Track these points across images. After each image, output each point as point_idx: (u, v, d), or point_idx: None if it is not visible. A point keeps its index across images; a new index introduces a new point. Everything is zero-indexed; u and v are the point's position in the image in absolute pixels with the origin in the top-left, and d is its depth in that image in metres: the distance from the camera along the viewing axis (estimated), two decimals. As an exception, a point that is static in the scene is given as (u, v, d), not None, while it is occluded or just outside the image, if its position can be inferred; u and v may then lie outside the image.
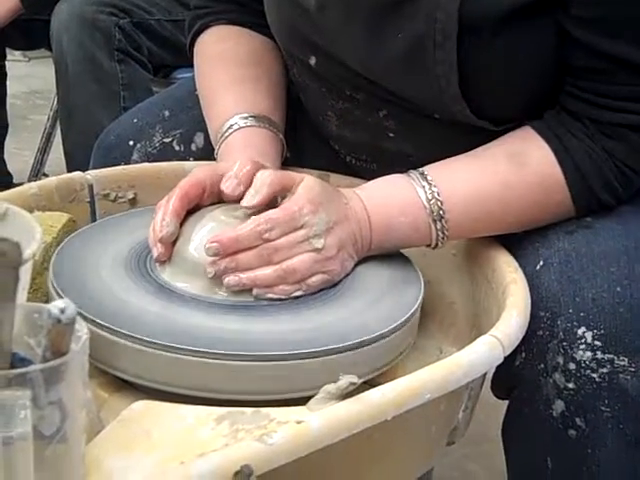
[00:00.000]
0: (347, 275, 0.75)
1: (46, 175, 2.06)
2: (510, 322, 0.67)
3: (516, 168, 0.76)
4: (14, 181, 2.05)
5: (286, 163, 0.92)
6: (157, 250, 0.72)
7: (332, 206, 0.73)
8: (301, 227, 0.71)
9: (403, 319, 0.70)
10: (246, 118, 0.86)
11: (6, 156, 2.08)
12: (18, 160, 2.21)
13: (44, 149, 2.08)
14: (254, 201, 0.72)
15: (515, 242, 0.79)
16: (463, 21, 0.73)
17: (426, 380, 0.60)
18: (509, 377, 0.74)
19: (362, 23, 0.78)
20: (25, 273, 0.61)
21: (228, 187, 0.74)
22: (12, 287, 0.46)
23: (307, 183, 0.73)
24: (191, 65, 0.98)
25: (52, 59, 2.16)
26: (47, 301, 0.72)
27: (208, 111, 0.92)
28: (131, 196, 0.89)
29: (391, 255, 0.79)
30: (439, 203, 0.75)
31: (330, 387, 0.58)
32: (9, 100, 2.11)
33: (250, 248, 0.70)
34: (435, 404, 0.62)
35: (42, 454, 0.47)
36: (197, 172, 0.76)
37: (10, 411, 0.44)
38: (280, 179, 0.73)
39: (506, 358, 0.65)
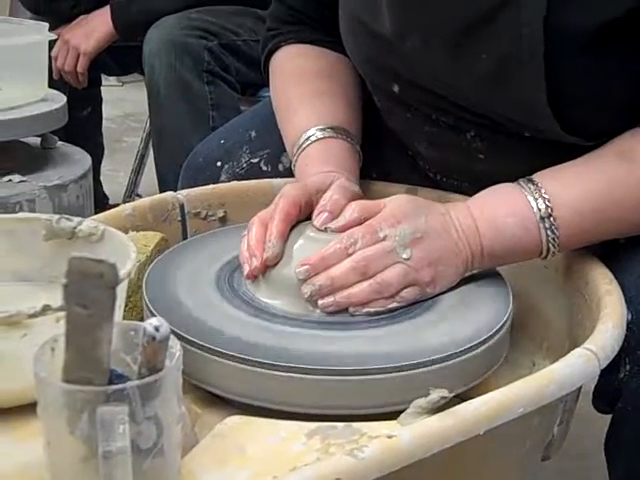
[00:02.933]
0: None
1: (139, 196, 2.11)
2: (605, 335, 0.65)
3: (626, 164, 0.74)
4: (109, 202, 2.11)
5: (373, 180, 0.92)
6: (250, 267, 0.73)
7: (420, 219, 0.72)
8: (384, 239, 0.71)
9: (493, 331, 0.69)
10: (323, 130, 0.87)
11: (102, 178, 2.15)
12: (113, 181, 2.28)
13: (137, 170, 2.14)
14: (338, 224, 0.73)
15: (614, 252, 0.77)
16: (550, 37, 0.71)
17: (519, 394, 0.59)
18: (612, 390, 0.72)
19: (443, 47, 0.78)
20: (121, 292, 0.64)
21: (319, 220, 0.74)
22: (110, 306, 0.47)
23: (392, 199, 0.74)
24: None
25: (144, 83, 2.23)
26: (142, 318, 0.74)
27: (283, 125, 0.93)
28: (221, 214, 0.91)
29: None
30: (546, 201, 0.73)
31: (421, 401, 0.58)
32: (104, 123, 2.19)
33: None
34: (529, 418, 0.61)
35: (140, 468, 0.48)
36: (290, 191, 0.77)
37: (109, 426, 0.46)
38: (368, 209, 0.73)
39: (609, 370, 0.64)
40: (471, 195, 0.78)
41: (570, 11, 0.71)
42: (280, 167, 0.98)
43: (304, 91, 0.92)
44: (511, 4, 0.72)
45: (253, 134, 1.00)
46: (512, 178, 0.77)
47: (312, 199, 0.77)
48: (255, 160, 0.98)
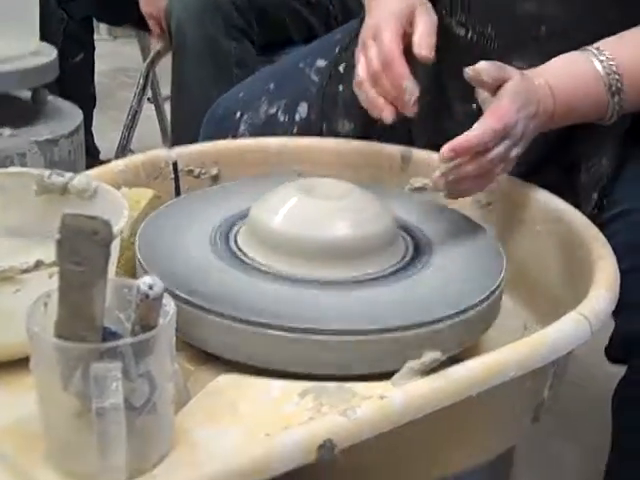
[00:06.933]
0: (430, 250, 0.75)
1: (132, 152, 2.10)
2: (598, 299, 0.66)
3: None
4: (101, 157, 2.10)
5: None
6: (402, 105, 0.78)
7: (528, 112, 0.75)
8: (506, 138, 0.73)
9: (486, 294, 0.69)
10: None
11: (94, 133, 2.13)
12: (105, 137, 2.26)
13: (130, 126, 2.12)
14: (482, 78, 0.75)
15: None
16: None
17: (511, 357, 0.59)
18: (629, 342, 0.72)
19: None
20: (114, 249, 0.63)
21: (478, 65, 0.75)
22: (103, 264, 0.47)
23: (512, 89, 0.74)
24: (295, 44, 0.97)
25: (136, 37, 2.20)
26: (134, 274, 0.74)
27: None
28: (214, 172, 0.90)
29: (473, 231, 0.79)
30: (616, 76, 0.76)
31: (414, 363, 0.58)
32: (96, 78, 2.16)
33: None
34: (520, 381, 0.61)
35: (133, 424, 0.48)
36: (386, 26, 0.80)
37: (103, 383, 0.46)
38: (498, 71, 0.75)
39: (630, 320, 0.62)
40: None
41: None
42: (297, 117, 0.98)
43: None
44: None
45: (272, 86, 1.01)
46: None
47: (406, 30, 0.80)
48: (273, 110, 0.99)
